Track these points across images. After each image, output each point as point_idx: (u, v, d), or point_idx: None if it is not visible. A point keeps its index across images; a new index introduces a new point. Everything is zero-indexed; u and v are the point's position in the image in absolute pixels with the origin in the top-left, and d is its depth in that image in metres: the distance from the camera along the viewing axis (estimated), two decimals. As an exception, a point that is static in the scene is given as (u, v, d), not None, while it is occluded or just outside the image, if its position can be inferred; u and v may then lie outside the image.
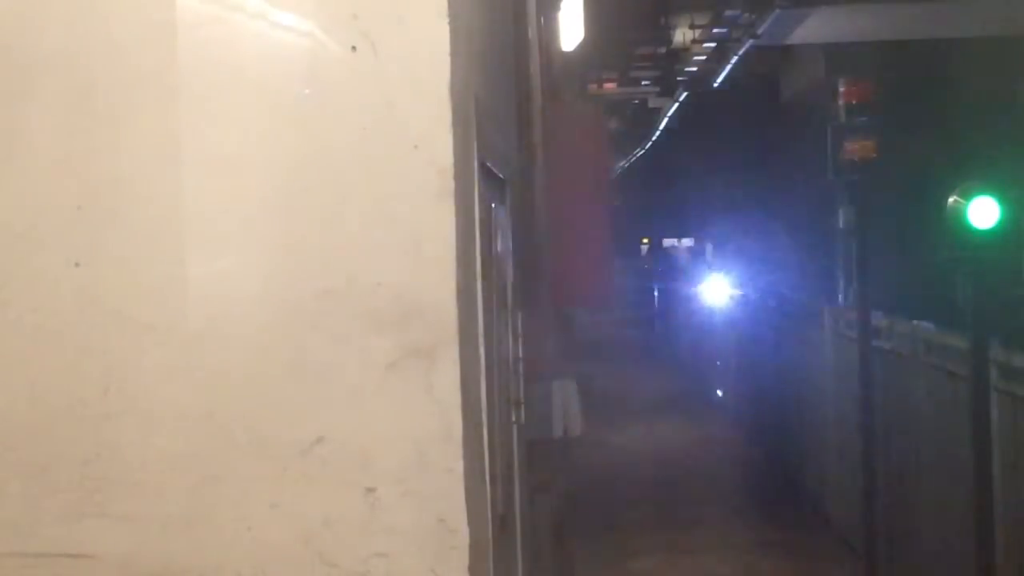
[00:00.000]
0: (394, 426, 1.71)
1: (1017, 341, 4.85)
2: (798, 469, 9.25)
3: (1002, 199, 4.50)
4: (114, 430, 1.71)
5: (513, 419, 2.69)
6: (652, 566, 7.45)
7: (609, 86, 13.61)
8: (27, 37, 1.73)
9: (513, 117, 3.31)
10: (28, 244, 1.70)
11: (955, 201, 4.70)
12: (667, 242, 23.84)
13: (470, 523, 1.72)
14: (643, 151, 21.64)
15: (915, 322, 6.38)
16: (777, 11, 9.46)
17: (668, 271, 20.90)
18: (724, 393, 12.81)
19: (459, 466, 1.73)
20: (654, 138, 19.62)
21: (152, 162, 1.67)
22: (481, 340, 2.07)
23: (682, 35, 12.84)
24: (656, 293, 21.21)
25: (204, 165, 1.68)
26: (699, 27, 12.34)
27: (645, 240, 25.86)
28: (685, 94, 14.94)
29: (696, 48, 12.86)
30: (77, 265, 1.68)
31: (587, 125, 4.69)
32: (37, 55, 1.71)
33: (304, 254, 1.71)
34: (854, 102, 6.60)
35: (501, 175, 2.71)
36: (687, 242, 22.37)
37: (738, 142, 15.69)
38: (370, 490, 1.71)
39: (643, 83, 15.13)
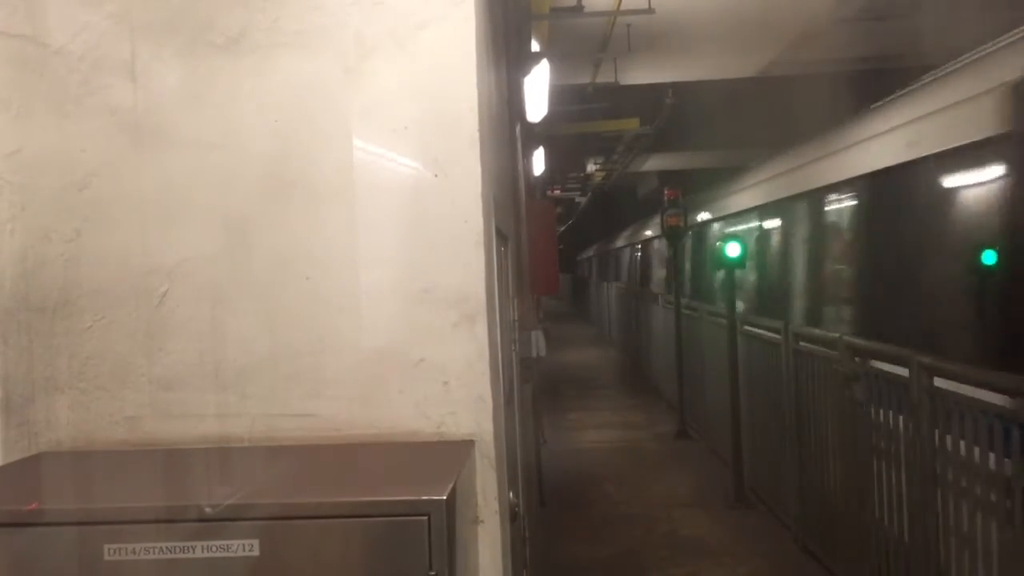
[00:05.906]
0: (456, 351, 2.29)
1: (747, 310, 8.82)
2: (647, 370, 15.07)
3: (741, 244, 8.20)
4: (325, 359, 2.27)
5: (513, 348, 3.52)
6: (577, 416, 12.67)
7: (556, 191, 22.94)
8: (288, 161, 2.30)
9: (512, 205, 4.36)
10: (285, 267, 2.27)
11: (719, 243, 8.42)
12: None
13: (493, 398, 2.31)
14: (571, 221, 38.04)
15: (698, 303, 10.88)
16: (636, 156, 18.16)
17: (584, 275, 35.92)
18: (611, 334, 21.67)
19: (487, 371, 2.31)
20: (577, 214, 35.28)
21: (343, 225, 2.28)
22: (497, 311, 2.56)
23: (590, 167, 22.26)
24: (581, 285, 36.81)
25: (366, 228, 2.26)
26: (598, 163, 21.69)
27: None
28: (590, 194, 26.73)
29: (597, 173, 22.60)
30: (308, 279, 2.29)
31: (545, 209, 7.07)
32: (292, 174, 2.30)
33: (414, 271, 2.29)
34: (671, 198, 11.39)
35: (505, 234, 3.30)
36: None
37: (615, 216, 28.46)
38: (445, 383, 2.30)
39: (571, 189, 25.33)
